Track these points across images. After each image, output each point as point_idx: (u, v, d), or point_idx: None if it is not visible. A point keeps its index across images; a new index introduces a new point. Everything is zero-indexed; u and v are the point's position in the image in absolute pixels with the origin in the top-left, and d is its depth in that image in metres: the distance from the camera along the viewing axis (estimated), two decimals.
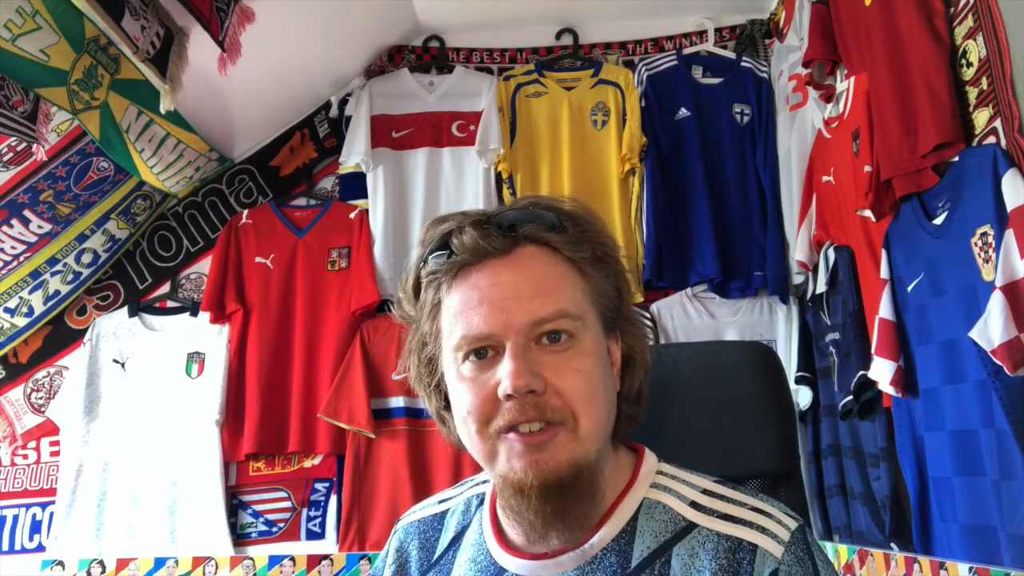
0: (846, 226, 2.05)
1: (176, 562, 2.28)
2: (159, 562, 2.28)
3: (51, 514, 2.39)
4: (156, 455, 2.37)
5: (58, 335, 2.51)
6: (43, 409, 2.48)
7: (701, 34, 2.68)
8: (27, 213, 2.16)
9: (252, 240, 2.52)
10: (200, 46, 1.88)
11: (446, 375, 0.79)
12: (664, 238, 2.47)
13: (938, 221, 1.63)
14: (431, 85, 2.63)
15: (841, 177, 2.04)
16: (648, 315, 2.48)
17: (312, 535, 2.42)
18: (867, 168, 1.84)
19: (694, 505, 0.76)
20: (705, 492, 0.77)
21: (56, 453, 2.45)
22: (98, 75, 1.82)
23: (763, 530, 0.72)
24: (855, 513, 2.02)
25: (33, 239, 2.23)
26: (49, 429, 2.48)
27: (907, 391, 1.72)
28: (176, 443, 2.38)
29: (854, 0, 1.96)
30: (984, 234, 1.46)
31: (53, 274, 2.36)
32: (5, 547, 2.41)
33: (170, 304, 2.56)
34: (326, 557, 2.31)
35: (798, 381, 2.28)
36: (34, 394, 2.49)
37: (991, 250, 1.43)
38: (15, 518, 2.43)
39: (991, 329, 1.37)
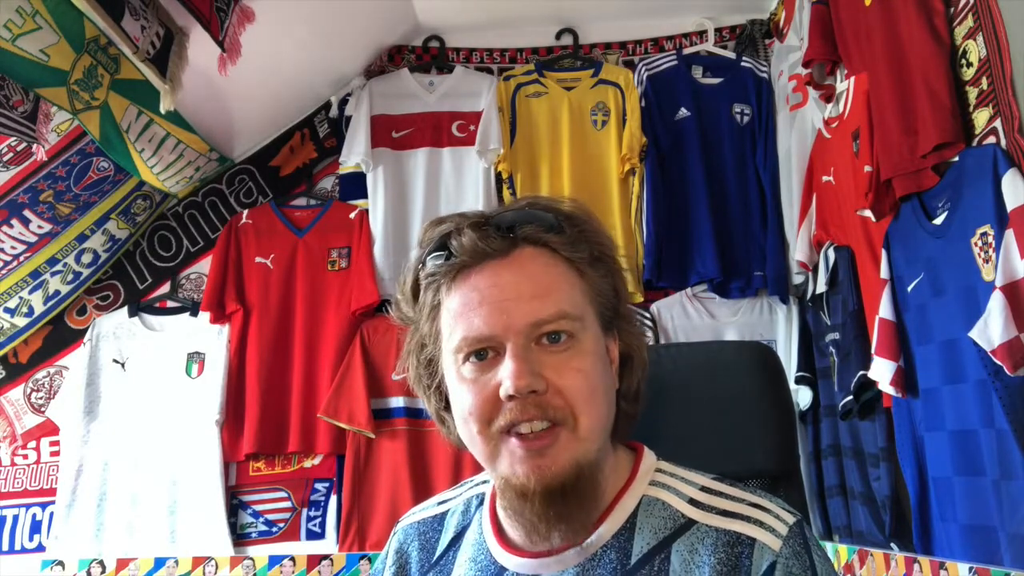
0: (846, 226, 2.05)
1: (176, 562, 2.28)
2: (159, 562, 2.28)
3: (51, 514, 2.39)
4: (156, 455, 2.38)
5: (58, 335, 2.51)
6: (43, 409, 2.48)
7: (701, 34, 2.68)
8: (27, 213, 2.16)
9: (252, 240, 2.52)
10: (200, 46, 1.88)
11: (446, 376, 0.79)
12: (664, 238, 2.47)
13: (938, 221, 1.63)
14: (431, 85, 2.63)
15: (841, 177, 2.04)
16: (648, 315, 2.48)
17: (312, 535, 2.42)
18: (867, 168, 1.84)
19: (693, 502, 0.76)
20: (704, 489, 0.78)
21: (56, 453, 2.45)
22: (98, 75, 1.82)
23: (761, 524, 0.73)
24: (855, 513, 2.02)
25: (33, 239, 2.23)
26: (49, 429, 2.48)
27: (907, 391, 1.72)
28: (176, 443, 2.38)
29: (854, 0, 1.96)
30: (984, 234, 1.46)
31: (53, 274, 2.36)
32: (5, 547, 2.41)
33: (170, 304, 2.56)
34: (326, 557, 2.31)
35: (798, 381, 2.28)
36: (34, 394, 2.49)
37: (991, 250, 1.43)
38: (15, 518, 2.43)
39: (991, 329, 1.37)
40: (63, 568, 2.28)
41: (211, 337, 2.48)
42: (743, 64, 2.61)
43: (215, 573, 2.28)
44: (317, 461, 2.45)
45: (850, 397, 1.93)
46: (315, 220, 2.56)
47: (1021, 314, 1.35)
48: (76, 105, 1.81)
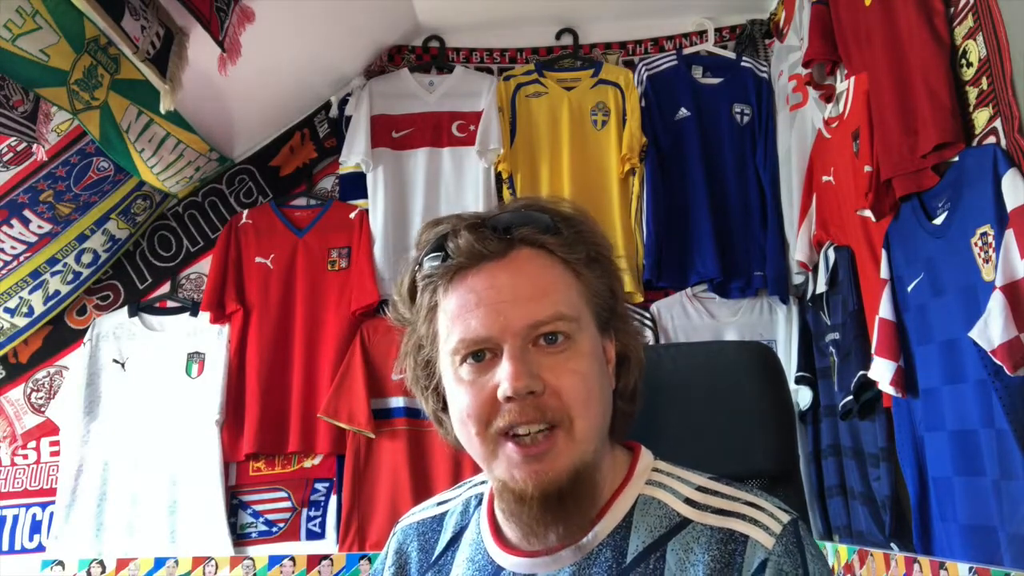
0: (846, 226, 2.05)
1: (176, 562, 2.28)
2: (159, 562, 2.28)
3: (51, 514, 2.39)
4: (156, 455, 2.38)
5: (58, 335, 2.51)
6: (43, 409, 2.48)
7: (701, 34, 2.68)
8: (27, 213, 2.16)
9: (252, 240, 2.52)
10: (200, 46, 1.88)
11: (444, 377, 0.79)
12: (664, 238, 2.46)
13: (938, 221, 1.63)
14: (431, 85, 2.63)
15: (841, 177, 2.04)
16: (648, 315, 2.48)
17: (312, 535, 2.42)
18: (867, 168, 1.84)
19: (689, 501, 0.77)
20: (700, 489, 0.78)
21: (56, 453, 2.45)
22: (98, 75, 1.82)
23: (755, 522, 0.73)
24: (855, 513, 2.02)
25: (33, 239, 2.23)
26: (49, 429, 2.48)
27: (907, 391, 1.72)
28: (176, 443, 2.38)
29: (854, 0, 1.96)
30: (984, 234, 1.46)
31: (53, 274, 2.36)
32: (5, 547, 2.41)
33: (170, 304, 2.56)
34: (326, 557, 2.31)
35: (798, 381, 2.28)
36: (34, 394, 2.50)
37: (991, 250, 1.43)
38: (15, 518, 2.43)
39: (991, 329, 1.37)
40: (63, 568, 2.28)
41: (211, 337, 2.48)
42: (743, 64, 2.61)
43: (215, 573, 2.28)
44: (317, 461, 2.45)
45: (850, 397, 1.93)
46: (315, 220, 2.56)
47: (1021, 314, 1.34)
48: (76, 105, 1.81)
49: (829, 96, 2.15)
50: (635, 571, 0.73)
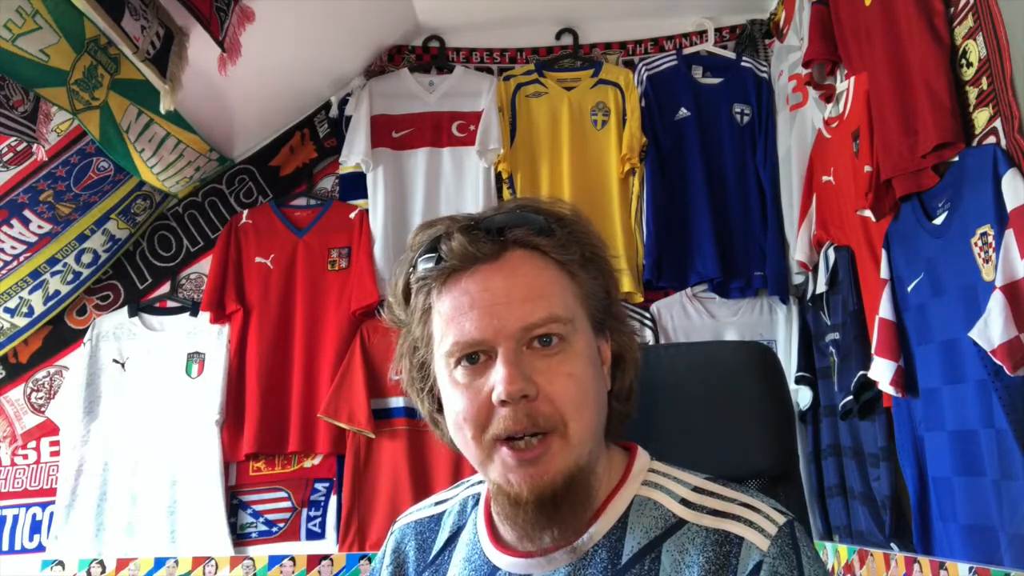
0: (846, 226, 2.05)
1: (176, 562, 2.28)
2: (159, 562, 2.28)
3: (51, 514, 2.39)
4: (156, 455, 2.38)
5: (58, 335, 2.51)
6: (43, 409, 2.48)
7: (701, 34, 2.68)
8: (27, 213, 2.16)
9: (252, 240, 2.52)
10: (200, 46, 1.88)
11: (439, 380, 0.79)
12: (664, 238, 2.46)
13: (938, 221, 1.63)
14: (431, 85, 2.63)
15: (841, 177, 2.04)
16: (648, 315, 2.48)
17: (312, 535, 2.42)
18: (867, 168, 1.84)
19: (684, 502, 0.77)
20: (696, 489, 0.78)
21: (56, 453, 2.45)
22: (98, 75, 1.82)
23: (750, 524, 0.73)
24: (855, 513, 2.02)
25: (33, 239, 2.23)
26: (49, 429, 2.48)
27: (907, 391, 1.72)
28: (176, 443, 2.38)
29: (854, 0, 1.96)
30: (984, 234, 1.46)
31: (53, 274, 2.36)
32: (5, 547, 2.41)
33: (170, 304, 2.56)
34: (326, 557, 2.31)
35: (798, 381, 2.28)
36: (34, 394, 2.50)
37: (991, 250, 1.43)
38: (15, 518, 2.43)
39: (991, 329, 1.37)
40: (63, 568, 2.28)
41: (211, 337, 2.48)
42: (743, 64, 2.61)
43: (215, 573, 2.28)
44: (317, 461, 2.45)
45: (850, 397, 1.93)
46: (315, 220, 2.56)
47: (1021, 314, 1.34)
48: (76, 105, 1.81)
49: (829, 96, 2.15)
50: (630, 572, 0.73)
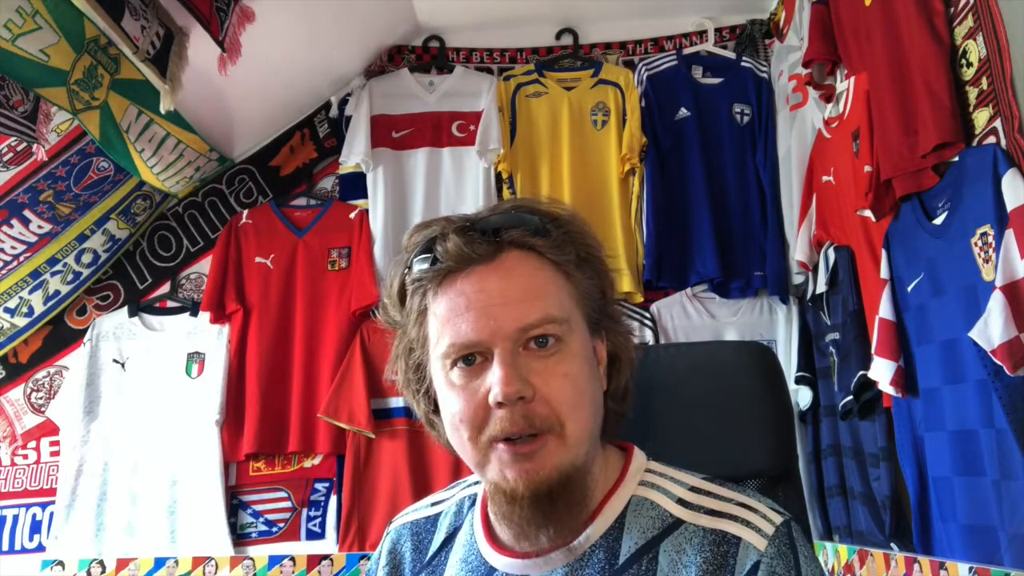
0: (846, 226, 2.05)
1: (176, 562, 2.28)
2: (159, 562, 2.28)
3: (51, 514, 2.39)
4: (156, 455, 2.38)
5: (58, 335, 2.51)
6: (43, 409, 2.48)
7: (701, 34, 2.68)
8: (27, 213, 2.16)
9: (252, 240, 2.52)
10: (200, 46, 1.88)
11: (435, 381, 0.79)
12: (664, 238, 2.46)
13: (938, 221, 1.63)
14: (431, 85, 2.63)
15: (841, 177, 2.04)
16: (648, 315, 2.48)
17: (312, 535, 2.42)
18: (867, 168, 1.84)
19: (681, 502, 0.77)
20: (693, 489, 0.78)
21: (56, 453, 2.45)
22: (98, 75, 1.82)
23: (747, 524, 0.73)
24: (855, 513, 2.02)
25: (33, 239, 2.23)
26: (49, 429, 2.48)
27: (907, 391, 1.72)
28: (176, 443, 2.38)
29: (854, 0, 1.96)
30: (984, 234, 1.46)
31: (53, 274, 2.36)
32: (5, 547, 2.41)
33: (170, 304, 2.56)
34: (326, 557, 2.31)
35: (798, 381, 2.28)
36: (34, 394, 2.50)
37: (991, 250, 1.43)
38: (15, 518, 2.43)
39: (991, 329, 1.37)
40: (63, 568, 2.28)
41: (211, 337, 2.48)
42: (743, 64, 2.61)
43: (215, 573, 2.28)
44: (317, 461, 2.45)
45: (850, 397, 1.93)
46: (315, 220, 2.56)
47: (1021, 314, 1.34)
48: (76, 105, 1.81)
49: (829, 96, 2.15)
50: (627, 573, 0.73)
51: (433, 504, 0.92)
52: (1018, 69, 1.39)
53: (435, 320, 0.77)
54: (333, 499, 2.43)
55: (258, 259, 2.51)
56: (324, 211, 2.57)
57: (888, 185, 1.78)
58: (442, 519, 0.89)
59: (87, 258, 2.41)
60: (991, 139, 1.48)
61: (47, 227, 2.23)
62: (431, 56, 2.71)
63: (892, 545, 1.84)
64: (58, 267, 2.36)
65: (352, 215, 2.55)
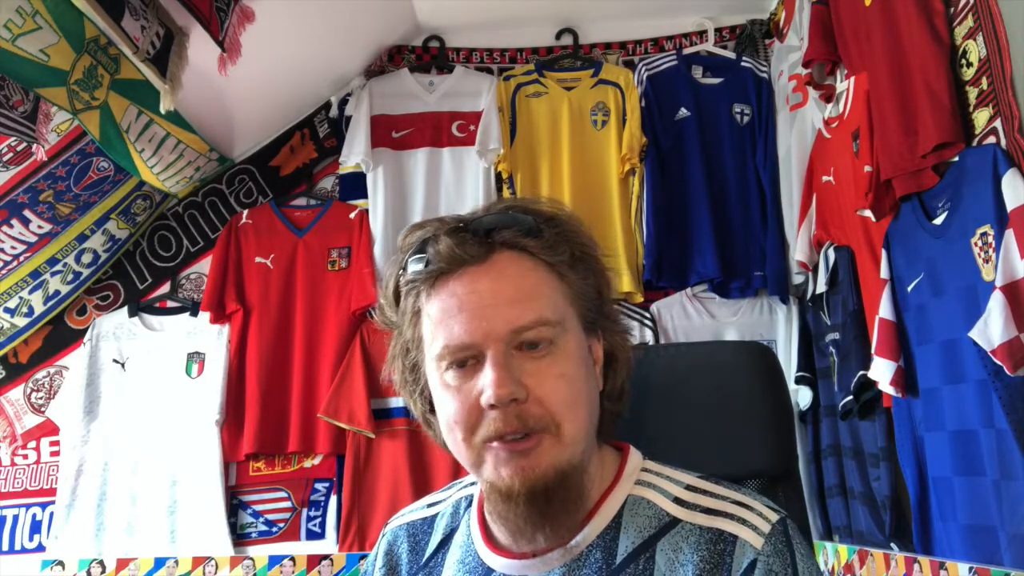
0: (846, 226, 2.05)
1: (176, 562, 2.28)
2: (159, 562, 2.28)
3: (51, 514, 2.39)
4: (156, 455, 2.38)
5: (58, 335, 2.51)
6: (43, 409, 2.48)
7: (701, 34, 2.68)
8: (27, 213, 2.16)
9: (252, 240, 2.52)
10: (200, 46, 1.88)
11: (430, 382, 0.79)
12: (664, 238, 2.46)
13: (938, 221, 1.63)
14: (431, 85, 2.63)
15: (841, 177, 2.04)
16: (648, 315, 2.48)
17: (312, 535, 2.42)
18: (867, 168, 1.84)
19: (678, 501, 0.77)
20: (689, 488, 0.78)
21: (56, 453, 2.45)
22: (98, 75, 1.82)
23: (744, 522, 0.73)
24: (855, 513, 2.02)
25: (33, 239, 2.23)
26: (49, 429, 2.48)
27: (907, 391, 1.72)
28: (176, 443, 2.38)
29: (854, 0, 1.96)
30: (984, 234, 1.46)
31: (53, 274, 2.36)
32: (5, 547, 2.41)
33: (170, 304, 2.56)
34: (326, 557, 2.31)
35: (798, 381, 2.28)
36: (34, 394, 2.50)
37: (991, 250, 1.43)
38: (15, 518, 2.43)
39: (991, 329, 1.37)
40: (63, 568, 2.28)
41: (211, 337, 2.48)
42: (743, 64, 2.61)
43: (215, 573, 2.28)
44: (317, 461, 2.45)
45: (850, 397, 1.93)
46: (315, 220, 2.56)
47: (1021, 314, 1.34)
48: (76, 105, 1.81)
49: (829, 96, 2.15)
50: (625, 572, 0.73)
51: (429, 505, 0.91)
52: (1018, 69, 1.39)
53: (428, 321, 0.77)
54: (333, 499, 2.43)
55: (258, 259, 2.51)
56: (324, 211, 2.57)
57: (888, 185, 1.78)
58: (439, 520, 0.88)
59: (87, 258, 2.41)
60: (991, 139, 1.48)
61: (47, 227, 2.23)
62: (431, 56, 2.71)
63: (892, 545, 1.84)
64: (58, 267, 2.36)
65: (352, 215, 2.55)
